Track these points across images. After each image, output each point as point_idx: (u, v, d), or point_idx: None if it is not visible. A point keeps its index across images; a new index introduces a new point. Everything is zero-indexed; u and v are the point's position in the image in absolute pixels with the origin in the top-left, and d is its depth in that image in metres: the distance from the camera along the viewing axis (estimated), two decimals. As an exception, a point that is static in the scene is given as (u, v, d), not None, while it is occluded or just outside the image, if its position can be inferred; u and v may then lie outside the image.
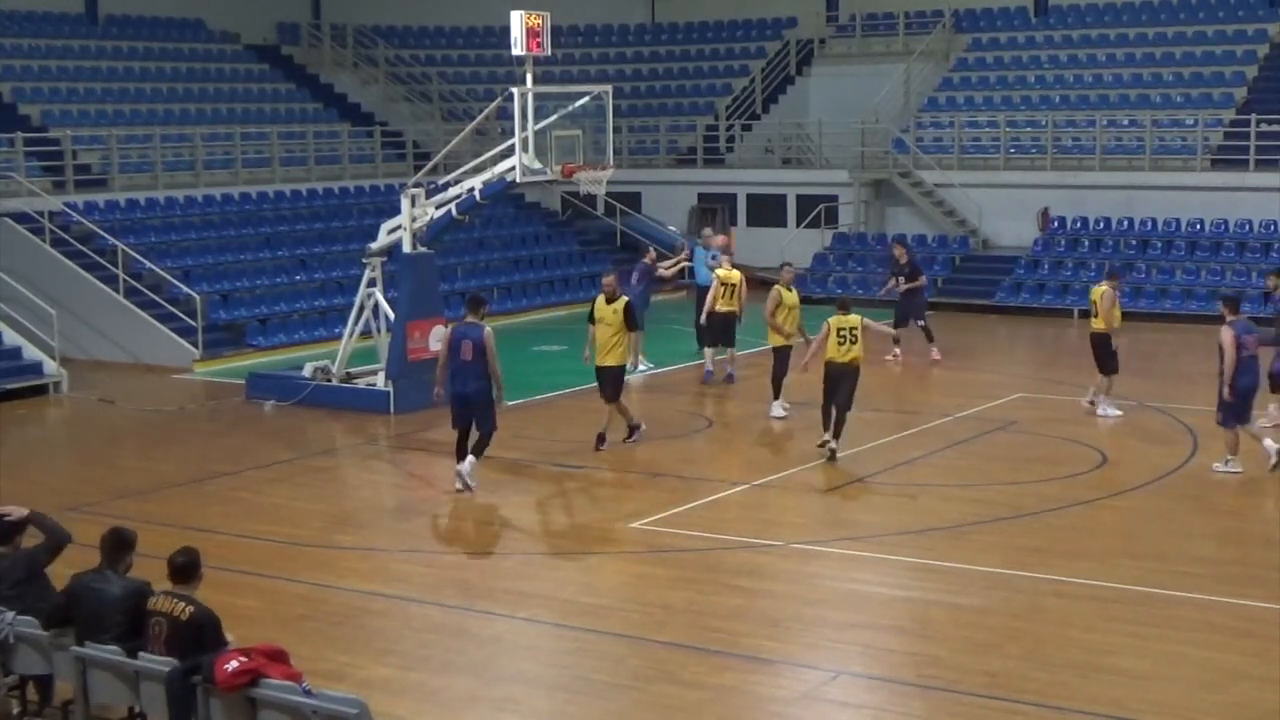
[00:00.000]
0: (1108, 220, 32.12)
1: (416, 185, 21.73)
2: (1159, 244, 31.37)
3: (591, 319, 18.80)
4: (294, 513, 16.31)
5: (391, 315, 21.77)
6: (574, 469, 18.09)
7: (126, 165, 30.72)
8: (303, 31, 39.72)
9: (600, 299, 18.81)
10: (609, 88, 21.69)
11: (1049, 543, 14.74)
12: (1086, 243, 31.95)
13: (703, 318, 23.42)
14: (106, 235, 27.01)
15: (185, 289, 26.34)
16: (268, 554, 14.63)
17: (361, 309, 22.13)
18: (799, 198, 35.72)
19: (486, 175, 20.75)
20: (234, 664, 8.60)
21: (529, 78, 20.40)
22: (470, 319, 16.86)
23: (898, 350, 24.65)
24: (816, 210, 34.91)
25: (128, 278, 26.22)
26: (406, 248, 21.43)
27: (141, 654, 9.06)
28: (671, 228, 35.56)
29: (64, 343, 24.56)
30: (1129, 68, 35.28)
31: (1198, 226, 31.17)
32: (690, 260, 26.84)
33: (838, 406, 18.08)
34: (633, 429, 19.00)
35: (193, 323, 25.76)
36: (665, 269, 24.92)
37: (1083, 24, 37.11)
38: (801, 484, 17.26)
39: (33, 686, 10.16)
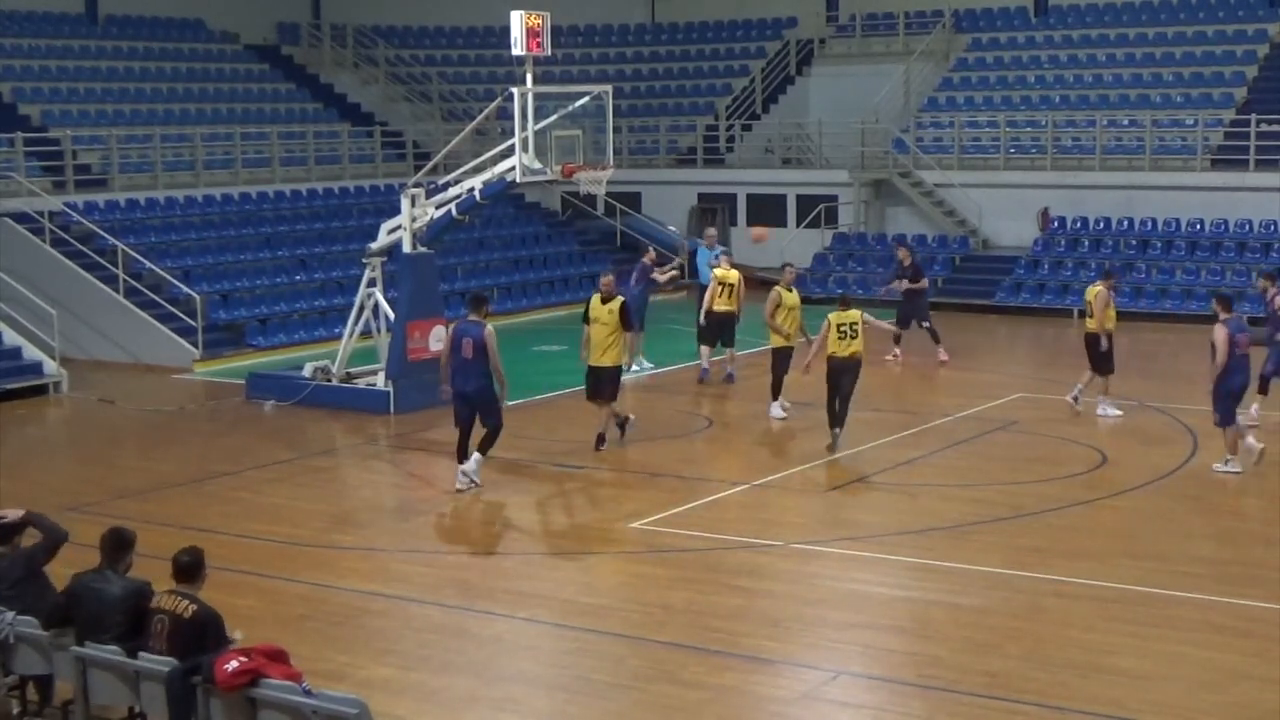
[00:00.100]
0: (1108, 220, 32.12)
1: (416, 185, 21.73)
2: (1159, 244, 31.36)
3: (586, 319, 18.77)
4: (294, 513, 16.31)
5: (391, 315, 21.76)
6: (574, 469, 18.09)
7: (126, 165, 30.71)
8: (303, 31, 39.72)
9: (595, 298, 18.75)
10: (609, 88, 21.68)
11: (1049, 543, 14.74)
12: (1086, 243, 31.94)
13: (701, 317, 23.42)
14: (106, 235, 27.01)
15: (185, 289, 26.33)
16: (268, 554, 14.63)
17: (361, 309, 22.13)
18: (799, 198, 35.73)
19: (486, 175, 20.75)
20: (234, 664, 8.60)
21: (529, 78, 20.39)
22: (472, 317, 16.88)
23: (898, 350, 24.67)
24: (816, 210, 34.91)
25: (128, 278, 26.22)
26: (406, 248, 21.43)
27: (142, 654, 9.07)
28: (671, 228, 35.56)
29: (64, 343, 24.56)
30: (1129, 68, 35.28)
31: (1198, 226, 31.17)
32: (681, 273, 26.77)
33: (841, 398, 18.17)
34: (622, 425, 18.98)
35: (193, 323, 25.76)
36: (660, 274, 24.83)
37: (1083, 24, 37.11)
38: (801, 484, 17.27)
39: (33, 686, 10.17)
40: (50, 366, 23.82)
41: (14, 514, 10.35)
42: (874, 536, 15.02)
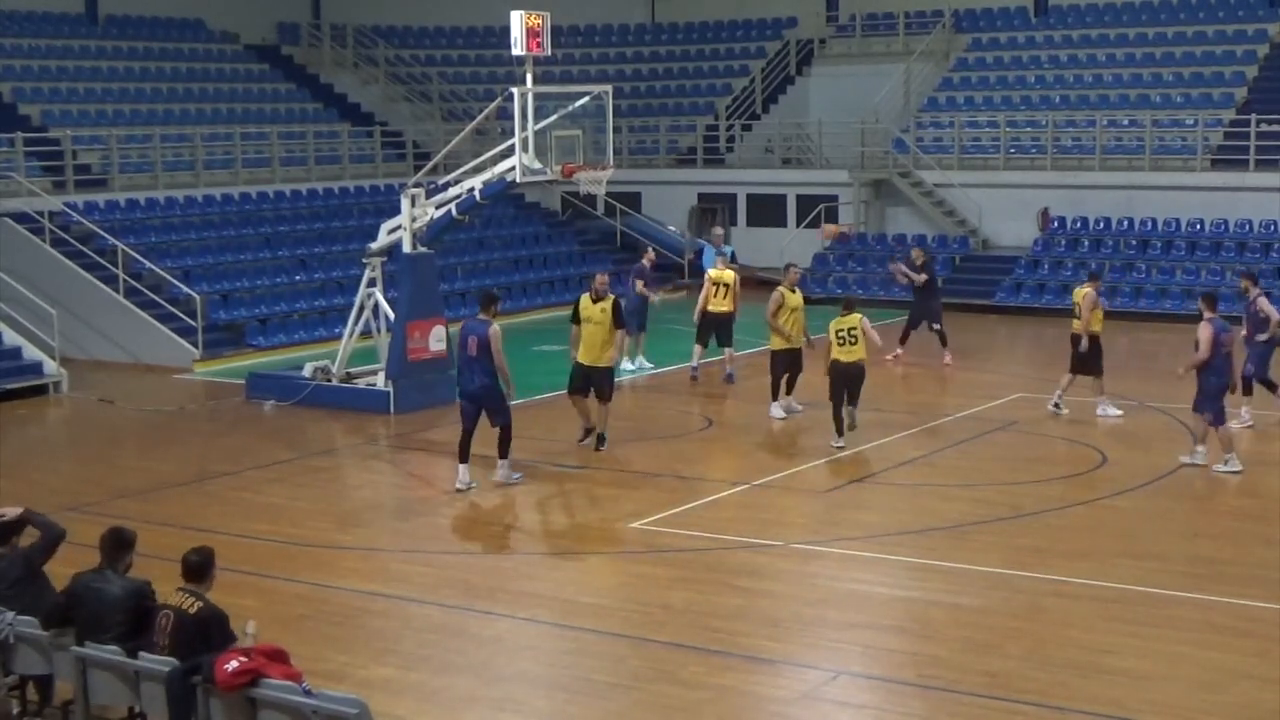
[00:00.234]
0: (1108, 220, 32.11)
1: (416, 185, 21.73)
2: (1159, 244, 31.36)
3: (575, 318, 18.69)
4: (294, 513, 16.31)
5: (391, 315, 21.76)
6: (574, 469, 18.08)
7: (126, 165, 30.72)
8: (303, 31, 39.73)
9: (585, 298, 18.68)
10: (609, 88, 21.67)
11: (1049, 543, 14.74)
12: (1086, 243, 31.94)
13: (695, 317, 23.36)
14: (106, 235, 27.01)
15: (185, 289, 26.34)
16: (268, 554, 14.62)
17: (361, 309, 22.13)
18: (799, 198, 35.72)
19: (486, 175, 20.74)
20: (234, 664, 8.61)
21: (529, 78, 20.39)
22: (481, 315, 16.91)
23: (899, 350, 24.65)
24: (816, 210, 34.91)
25: (128, 278, 26.22)
26: (406, 248, 21.43)
27: (142, 654, 9.07)
28: (671, 228, 35.55)
29: (64, 343, 24.56)
30: (1129, 68, 35.28)
31: (1198, 226, 31.16)
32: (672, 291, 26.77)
33: (847, 404, 18.29)
34: (588, 431, 18.78)
35: (193, 323, 25.76)
36: (651, 295, 24.71)
37: (1083, 24, 37.12)
38: (801, 484, 17.26)
39: (33, 686, 10.17)
40: (50, 366, 23.82)
41: (12, 512, 10.35)
42: (874, 536, 15.02)
